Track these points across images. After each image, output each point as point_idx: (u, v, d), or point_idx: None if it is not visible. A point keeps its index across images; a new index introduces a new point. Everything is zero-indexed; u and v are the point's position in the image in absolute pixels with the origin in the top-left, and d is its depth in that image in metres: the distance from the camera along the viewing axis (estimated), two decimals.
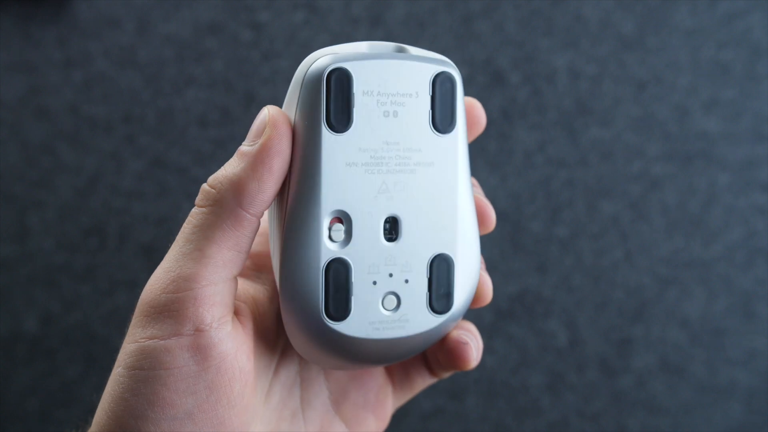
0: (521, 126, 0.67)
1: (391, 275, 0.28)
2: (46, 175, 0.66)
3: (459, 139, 0.28)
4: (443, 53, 0.30)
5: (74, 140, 0.66)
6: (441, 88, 0.28)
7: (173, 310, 0.26)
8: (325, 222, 0.27)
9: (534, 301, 0.68)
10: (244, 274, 0.31)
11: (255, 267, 0.31)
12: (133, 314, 0.27)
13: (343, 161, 0.27)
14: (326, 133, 0.27)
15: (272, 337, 0.30)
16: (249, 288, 0.30)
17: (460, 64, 0.65)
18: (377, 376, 0.33)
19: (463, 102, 0.29)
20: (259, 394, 0.29)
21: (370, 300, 0.28)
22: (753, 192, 0.68)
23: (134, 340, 0.26)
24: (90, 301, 0.66)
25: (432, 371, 0.32)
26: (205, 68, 0.66)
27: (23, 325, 0.66)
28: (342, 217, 0.27)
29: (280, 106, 0.28)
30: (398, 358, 0.30)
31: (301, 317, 0.28)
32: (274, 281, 0.31)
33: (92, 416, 0.27)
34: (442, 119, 0.28)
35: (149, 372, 0.25)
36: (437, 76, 0.28)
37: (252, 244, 0.27)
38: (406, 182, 0.28)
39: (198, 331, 0.26)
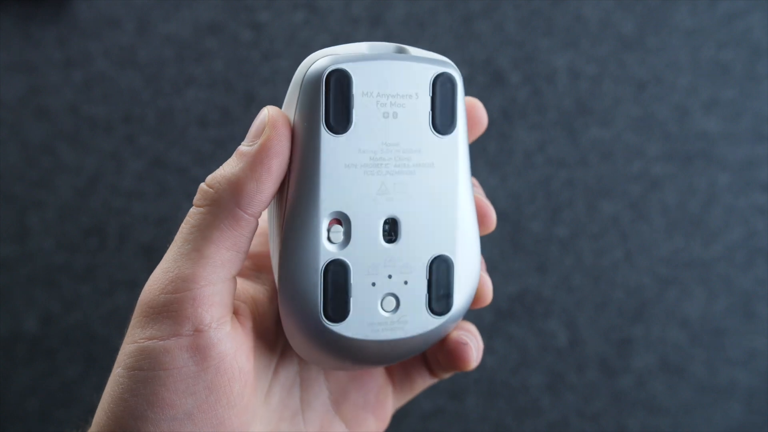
0: (521, 126, 0.67)
1: (390, 276, 0.28)
2: (46, 175, 0.66)
3: (459, 140, 0.28)
4: (443, 53, 0.30)
5: (74, 140, 0.66)
6: (441, 89, 0.28)
7: (172, 311, 0.26)
8: (324, 223, 0.27)
9: (534, 301, 0.68)
10: (244, 274, 0.31)
11: (255, 267, 0.31)
12: (132, 314, 0.27)
13: (342, 162, 0.27)
14: (325, 135, 0.27)
15: (272, 337, 0.30)
16: (249, 288, 0.30)
17: (460, 64, 0.65)
18: (377, 376, 0.32)
19: (463, 103, 0.28)
20: (259, 394, 0.29)
21: (369, 301, 0.28)
22: (753, 192, 0.68)
23: (133, 340, 0.26)
24: (90, 301, 0.66)
25: (432, 372, 0.32)
26: (205, 68, 0.66)
27: (23, 325, 0.66)
28: (341, 219, 0.27)
29: (280, 106, 0.28)
30: (397, 359, 0.30)
31: (300, 318, 0.27)
32: (274, 281, 0.31)
33: (92, 416, 0.27)
34: (442, 120, 0.28)
35: (149, 372, 0.25)
36: (437, 77, 0.28)
37: (250, 244, 0.27)
38: (406, 183, 0.28)
39: (197, 331, 0.26)
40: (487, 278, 0.31)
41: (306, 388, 0.31)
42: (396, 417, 0.34)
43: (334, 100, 0.26)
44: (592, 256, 0.68)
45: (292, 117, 0.27)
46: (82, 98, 0.66)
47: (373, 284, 0.28)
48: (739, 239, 0.68)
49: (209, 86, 0.66)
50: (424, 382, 0.33)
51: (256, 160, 0.26)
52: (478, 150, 0.67)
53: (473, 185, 0.30)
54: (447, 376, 0.32)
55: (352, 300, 0.28)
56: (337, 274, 0.27)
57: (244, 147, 0.27)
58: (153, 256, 0.66)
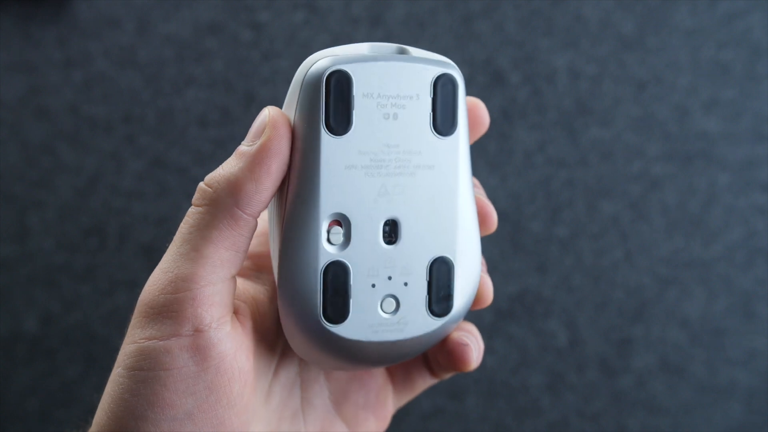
0: (521, 126, 0.67)
1: (390, 278, 0.28)
2: (46, 175, 0.66)
3: (460, 142, 0.28)
4: (443, 53, 0.29)
5: (74, 140, 0.66)
6: (442, 90, 0.28)
7: (172, 311, 0.26)
8: (324, 225, 0.27)
9: (534, 301, 0.68)
10: (244, 274, 0.31)
11: (255, 267, 0.31)
12: (132, 315, 0.27)
13: (342, 164, 0.27)
14: (325, 136, 0.27)
15: (272, 337, 0.30)
16: (249, 288, 0.30)
17: (460, 64, 0.65)
18: (378, 376, 0.32)
19: (465, 104, 0.28)
20: (259, 394, 0.29)
21: (369, 303, 0.28)
22: (753, 192, 0.68)
23: (133, 340, 0.26)
24: (90, 301, 0.66)
25: (433, 372, 0.32)
26: (205, 68, 0.66)
27: (23, 325, 0.66)
28: (341, 220, 0.27)
29: (280, 106, 0.28)
30: (397, 360, 0.30)
31: (300, 320, 0.27)
32: (274, 281, 0.31)
33: (92, 416, 0.27)
34: (443, 121, 0.28)
35: (149, 373, 0.25)
36: (438, 78, 0.27)
37: (250, 243, 0.27)
38: (406, 185, 0.28)
39: (197, 331, 0.26)
40: (488, 279, 0.31)
41: (306, 388, 0.31)
42: (396, 417, 0.34)
43: (335, 101, 0.26)
44: (592, 256, 0.68)
45: (292, 118, 0.27)
46: (82, 98, 0.66)
47: (373, 285, 0.28)
48: (739, 239, 0.68)
49: (209, 86, 0.66)
50: (424, 383, 0.33)
51: (256, 161, 0.26)
52: (478, 150, 0.67)
53: (474, 186, 0.30)
54: (448, 376, 0.32)
55: (351, 301, 0.28)
56: (337, 275, 0.27)
57: (243, 147, 0.27)
58: (153, 256, 0.66)
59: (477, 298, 0.30)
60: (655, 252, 0.68)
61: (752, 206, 0.68)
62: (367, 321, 0.28)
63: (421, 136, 0.28)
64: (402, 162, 0.27)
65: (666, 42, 0.67)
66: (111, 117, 0.66)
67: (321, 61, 0.27)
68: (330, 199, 0.27)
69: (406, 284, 0.28)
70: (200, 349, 0.26)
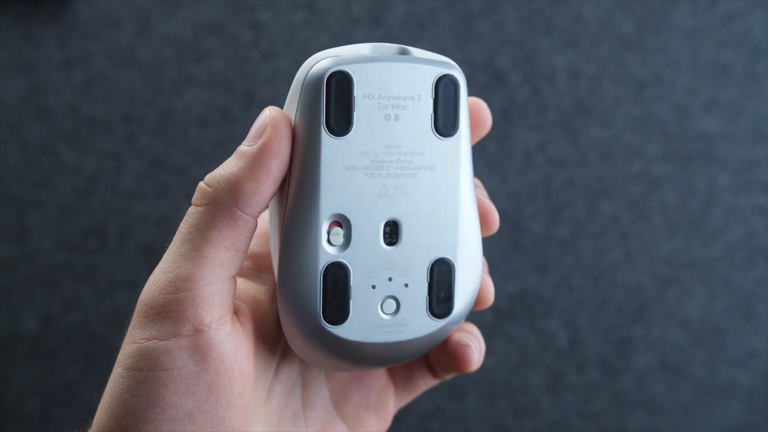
0: (521, 126, 0.67)
1: (390, 279, 0.28)
2: (46, 175, 0.66)
3: (462, 143, 0.28)
4: (443, 53, 0.29)
5: (74, 140, 0.66)
6: (444, 91, 0.27)
7: (172, 311, 0.26)
8: (324, 226, 0.27)
9: (534, 301, 0.68)
10: (245, 274, 0.31)
11: (256, 267, 0.31)
12: (132, 315, 0.27)
13: (342, 165, 0.27)
14: (326, 137, 0.26)
15: (273, 337, 0.30)
16: (250, 288, 0.30)
17: (460, 64, 0.65)
18: (379, 377, 0.32)
19: (467, 105, 0.28)
20: (260, 394, 0.29)
21: (369, 304, 0.28)
22: (753, 192, 0.68)
23: (133, 341, 0.26)
24: (90, 301, 0.66)
25: (434, 373, 0.32)
26: (205, 68, 0.66)
27: (23, 325, 0.66)
28: (341, 221, 0.27)
29: (280, 106, 0.28)
30: (398, 361, 0.30)
31: (299, 321, 0.27)
32: (275, 281, 0.31)
33: (92, 416, 0.27)
34: (444, 123, 0.28)
35: (149, 373, 0.25)
36: (440, 78, 0.27)
37: (250, 243, 0.27)
38: (407, 186, 0.27)
39: (197, 331, 0.26)
40: (489, 280, 0.31)
41: (307, 388, 0.31)
42: (396, 417, 0.34)
43: (335, 102, 0.26)
44: (592, 256, 0.68)
45: (293, 118, 0.27)
46: (82, 98, 0.66)
47: (373, 287, 0.28)
48: (739, 239, 0.68)
49: (209, 86, 0.66)
50: (425, 383, 0.33)
51: (256, 161, 0.26)
52: (478, 150, 0.67)
53: (476, 186, 0.30)
54: (449, 377, 0.32)
55: (351, 302, 0.27)
56: (337, 276, 0.27)
57: (244, 147, 0.27)
58: (153, 256, 0.66)
59: (478, 299, 0.30)
60: (655, 252, 0.68)
61: (752, 206, 0.68)
62: (367, 322, 0.28)
63: (423, 137, 0.27)
64: (403, 163, 0.27)
65: (666, 42, 0.67)
66: (111, 117, 0.66)
67: (322, 61, 0.27)
68: (330, 199, 0.27)
69: (406, 285, 0.28)
70: (200, 349, 0.26)
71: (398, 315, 0.28)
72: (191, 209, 0.27)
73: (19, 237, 0.66)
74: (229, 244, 0.26)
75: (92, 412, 0.27)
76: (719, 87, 0.68)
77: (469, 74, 0.67)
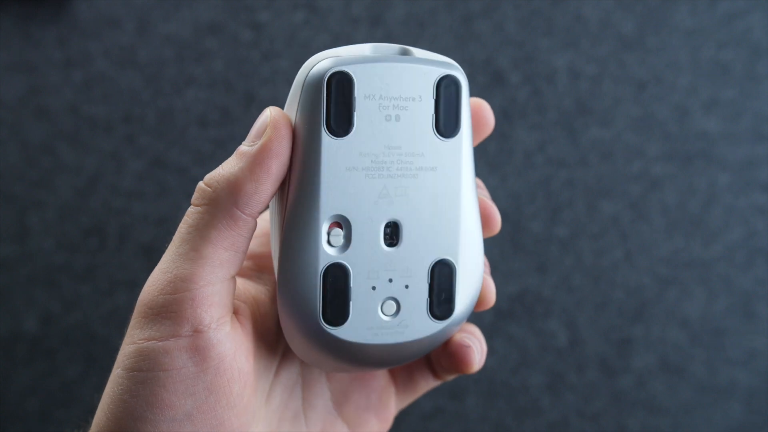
0: (521, 126, 0.67)
1: (390, 280, 0.28)
2: (46, 175, 0.66)
3: (463, 144, 0.28)
4: (443, 53, 0.29)
5: (74, 140, 0.66)
6: (445, 91, 0.27)
7: (171, 312, 0.26)
8: (324, 226, 0.27)
9: (534, 301, 0.68)
10: (245, 274, 0.31)
11: (256, 267, 0.31)
12: (132, 315, 0.27)
13: (343, 166, 0.27)
14: (326, 138, 0.26)
15: (273, 337, 0.30)
16: (250, 288, 0.30)
17: (461, 64, 0.65)
18: (380, 377, 0.32)
19: (468, 106, 0.28)
20: (260, 394, 0.29)
21: (369, 305, 0.28)
22: (753, 192, 0.68)
23: (133, 341, 0.26)
24: (90, 301, 0.66)
25: (435, 374, 0.32)
26: (205, 68, 0.66)
27: (23, 325, 0.66)
28: (341, 222, 0.27)
29: (280, 107, 0.28)
30: (398, 363, 0.30)
31: (299, 322, 0.27)
32: (275, 282, 0.31)
33: (92, 416, 0.27)
34: (446, 123, 0.28)
35: (148, 373, 0.25)
36: (442, 79, 0.27)
37: (249, 244, 0.27)
38: (408, 187, 0.27)
39: (196, 332, 0.26)
40: (490, 281, 0.31)
41: (308, 389, 0.31)
42: (396, 417, 0.34)
43: (336, 102, 0.26)
44: (592, 256, 0.68)
45: (293, 119, 0.27)
46: (82, 98, 0.66)
47: (374, 288, 0.28)
48: (739, 239, 0.68)
49: (209, 86, 0.66)
50: (427, 384, 0.33)
51: (256, 161, 0.26)
52: (478, 150, 0.67)
53: (478, 187, 0.30)
54: (450, 378, 0.32)
55: (351, 304, 0.27)
56: (337, 277, 0.27)
57: (244, 147, 0.27)
58: (153, 256, 0.66)
59: (479, 300, 0.30)
60: (655, 252, 0.68)
61: (752, 206, 0.68)
62: (367, 323, 0.28)
63: (424, 138, 0.27)
64: (403, 164, 0.27)
65: (666, 42, 0.67)
66: (111, 117, 0.66)
67: (323, 62, 0.27)
68: (330, 200, 0.27)
69: (407, 287, 0.28)
70: (199, 349, 0.26)
71: (398, 316, 0.28)
72: (191, 209, 0.27)
73: (19, 237, 0.66)
74: (228, 244, 0.26)
75: (92, 412, 0.27)
76: (719, 87, 0.68)
77: (469, 74, 0.67)
